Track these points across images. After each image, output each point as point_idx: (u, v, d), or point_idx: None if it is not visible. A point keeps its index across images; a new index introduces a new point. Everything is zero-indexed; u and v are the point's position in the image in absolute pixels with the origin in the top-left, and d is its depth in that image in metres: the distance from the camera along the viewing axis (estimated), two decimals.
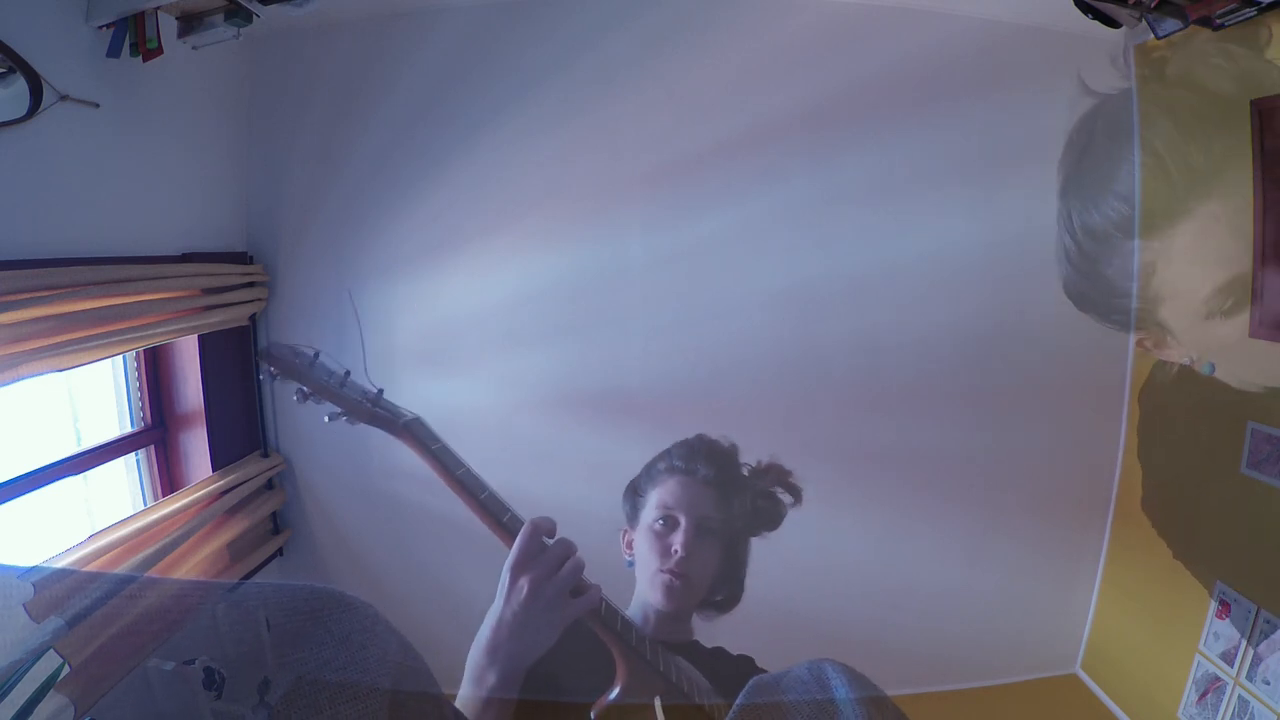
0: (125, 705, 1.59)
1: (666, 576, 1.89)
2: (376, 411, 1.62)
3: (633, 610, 1.93)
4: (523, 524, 1.58)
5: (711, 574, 1.96)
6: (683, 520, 1.94)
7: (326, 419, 1.58)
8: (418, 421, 1.66)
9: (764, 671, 1.85)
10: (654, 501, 2.01)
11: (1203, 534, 2.03)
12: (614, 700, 1.63)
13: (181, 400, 2.35)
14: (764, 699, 1.34)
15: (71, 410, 2.06)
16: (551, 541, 1.55)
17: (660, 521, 1.96)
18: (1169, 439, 2.20)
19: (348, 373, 1.63)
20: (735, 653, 1.92)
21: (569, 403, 2.45)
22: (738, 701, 1.37)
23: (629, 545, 2.03)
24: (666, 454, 2.10)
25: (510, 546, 1.55)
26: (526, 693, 1.51)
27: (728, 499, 2.02)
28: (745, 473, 2.11)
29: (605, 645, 1.64)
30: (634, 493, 2.09)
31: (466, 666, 1.52)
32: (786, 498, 2.10)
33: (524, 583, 1.49)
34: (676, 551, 1.91)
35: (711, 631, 1.99)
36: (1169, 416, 2.19)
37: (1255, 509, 1.86)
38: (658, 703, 1.61)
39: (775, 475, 2.11)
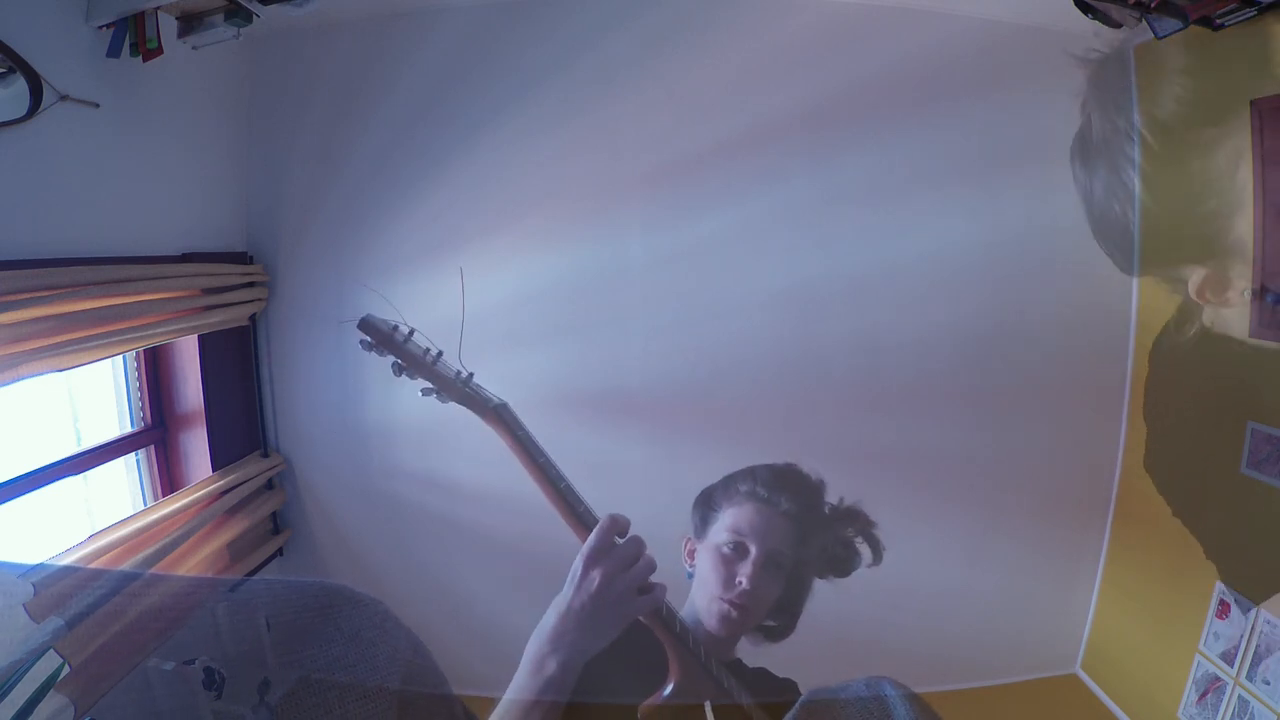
0: (125, 705, 1.59)
1: (726, 606, 1.83)
2: (467, 392, 1.63)
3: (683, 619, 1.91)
4: (595, 518, 1.58)
5: (769, 606, 1.91)
6: (754, 551, 1.87)
7: (420, 394, 1.62)
8: (505, 407, 1.67)
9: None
10: (727, 523, 1.93)
11: (1203, 534, 2.03)
12: (666, 699, 1.62)
13: (181, 400, 2.35)
14: (821, 700, 1.35)
15: (71, 410, 2.06)
16: (622, 540, 1.55)
17: (730, 546, 1.89)
18: (1172, 428, 2.20)
19: (440, 353, 1.65)
20: (780, 675, 1.89)
21: (569, 403, 2.45)
22: (798, 702, 1.38)
23: (690, 555, 1.97)
24: (751, 474, 2.01)
25: (581, 538, 1.54)
26: (577, 694, 1.51)
27: (804, 537, 1.94)
28: (827, 511, 2.04)
29: (658, 646, 1.63)
30: (706, 505, 2.01)
31: (525, 656, 1.51)
32: (866, 553, 2.02)
33: (596, 574, 1.48)
34: (741, 583, 1.84)
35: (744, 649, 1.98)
36: (1179, 374, 2.16)
37: (1255, 509, 1.86)
38: (708, 707, 1.61)
39: (858, 525, 2.03)
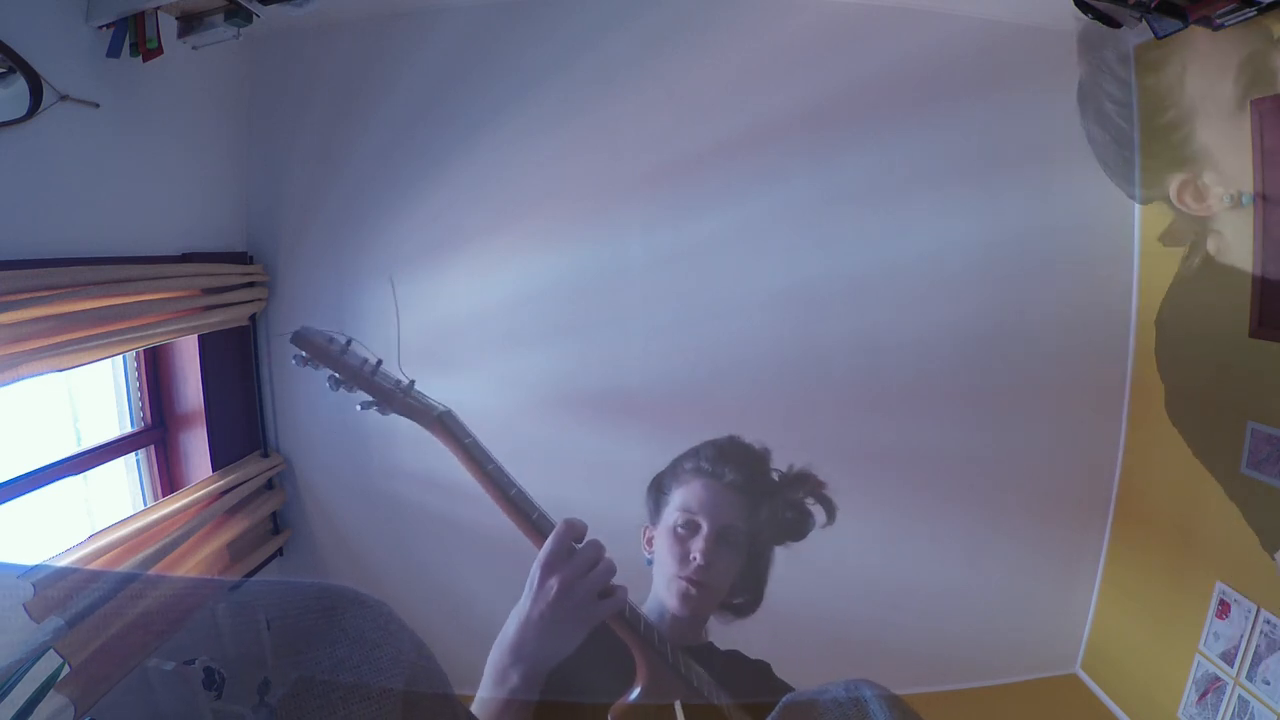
0: (125, 705, 1.59)
1: (683, 584, 1.84)
2: (409, 402, 1.59)
3: (648, 609, 1.90)
4: (550, 523, 1.56)
5: (731, 581, 1.91)
6: (705, 526, 1.88)
7: (359, 408, 1.57)
8: (450, 414, 1.63)
9: (781, 680, 1.84)
10: (677, 502, 1.95)
11: (1203, 534, 2.03)
12: (634, 701, 1.61)
13: (181, 400, 2.34)
14: (800, 703, 1.34)
15: (71, 410, 2.06)
16: (581, 545, 1.53)
17: (682, 524, 1.91)
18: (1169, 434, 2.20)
19: (379, 362, 1.60)
20: (752, 657, 1.89)
21: (569, 403, 2.45)
22: (779, 704, 1.37)
23: (649, 543, 1.98)
24: (694, 453, 2.03)
25: (537, 545, 1.52)
26: (546, 694, 1.50)
27: (754, 507, 1.95)
28: (775, 478, 2.04)
29: (625, 646, 1.62)
30: (658, 489, 2.03)
31: (488, 666, 1.50)
32: (819, 513, 2.02)
33: (554, 582, 1.47)
34: (695, 559, 1.85)
35: (725, 638, 1.98)
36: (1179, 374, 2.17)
37: (1255, 509, 1.86)
38: (678, 706, 1.60)
39: (809, 486, 2.03)
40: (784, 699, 1.40)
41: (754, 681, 1.82)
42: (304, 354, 1.55)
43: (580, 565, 1.49)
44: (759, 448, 2.07)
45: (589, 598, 1.48)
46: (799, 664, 1.85)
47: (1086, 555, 2.35)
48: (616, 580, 1.61)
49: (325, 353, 1.55)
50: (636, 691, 1.61)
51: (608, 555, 1.53)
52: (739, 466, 1.97)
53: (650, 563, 1.95)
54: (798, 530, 2.02)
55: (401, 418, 1.61)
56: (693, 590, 1.84)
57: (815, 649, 2.00)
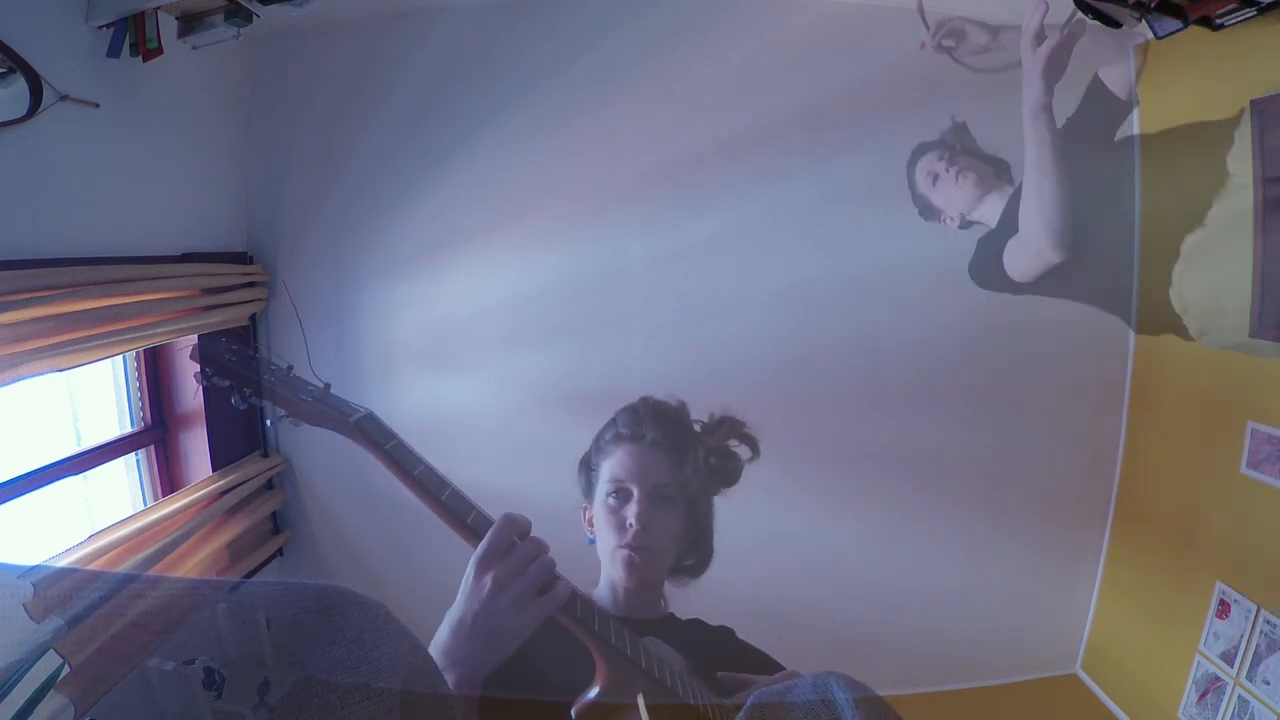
0: (125, 705, 1.59)
1: (625, 552, 1.81)
2: (322, 409, 1.49)
3: (600, 589, 1.87)
4: (490, 522, 1.49)
5: (675, 541, 1.88)
6: (635, 491, 1.85)
7: (269, 423, 1.50)
8: (369, 418, 1.55)
9: (744, 643, 1.80)
10: (605, 475, 1.91)
11: (1203, 534, 2.03)
12: (594, 699, 1.54)
13: (181, 400, 2.35)
14: (768, 704, 1.32)
15: (71, 410, 2.06)
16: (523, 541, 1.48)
17: (613, 496, 1.87)
18: (1168, 436, 2.20)
19: (290, 367, 1.51)
20: (714, 624, 1.85)
21: (569, 403, 2.45)
22: (745, 705, 1.35)
23: (590, 522, 1.95)
24: (612, 422, 1.99)
25: (475, 547, 1.46)
26: (505, 691, 1.46)
27: (680, 461, 1.91)
28: (698, 429, 2.02)
29: (584, 644, 1.57)
30: (586, 467, 2.00)
31: None
32: (744, 451, 2.01)
33: (488, 579, 1.40)
34: (631, 525, 1.82)
35: (689, 607, 1.95)
36: (1168, 411, 2.19)
37: (1255, 509, 1.86)
38: (640, 700, 1.54)
39: (728, 429, 2.01)
40: (749, 700, 1.36)
41: (718, 648, 1.79)
42: (208, 370, 1.46)
43: (518, 561, 1.42)
44: (674, 403, 2.06)
45: (526, 596, 1.41)
46: (800, 664, 1.85)
47: (1086, 555, 2.35)
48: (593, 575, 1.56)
49: (226, 365, 1.45)
50: (596, 689, 1.55)
51: (549, 553, 1.47)
52: (657, 424, 1.94)
53: (592, 542, 1.91)
54: (727, 473, 2.00)
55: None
56: (636, 557, 1.81)
57: (815, 649, 2.00)
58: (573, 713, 1.54)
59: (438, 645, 1.43)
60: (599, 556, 1.90)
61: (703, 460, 1.95)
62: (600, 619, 1.56)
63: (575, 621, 1.51)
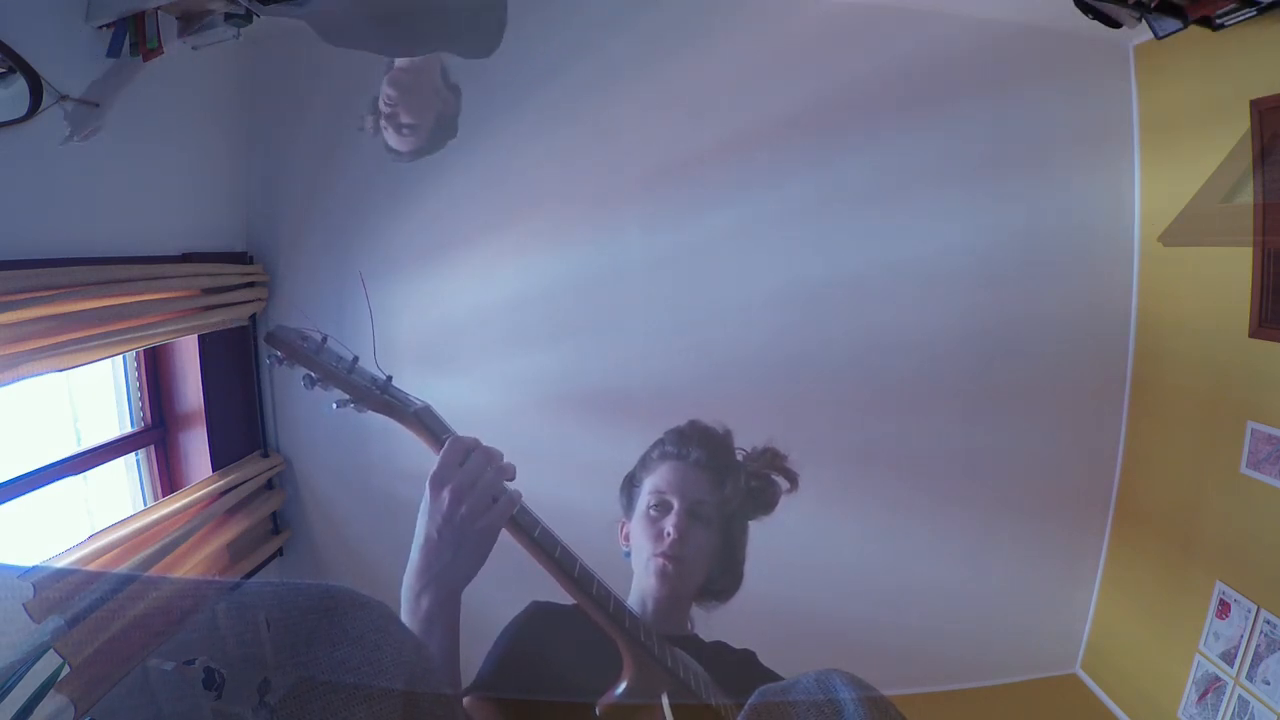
0: (125, 705, 1.59)
1: (660, 560, 1.90)
2: (386, 399, 1.57)
3: (631, 600, 1.93)
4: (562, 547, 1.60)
5: (707, 559, 1.96)
6: (675, 503, 1.95)
7: (335, 406, 1.55)
8: (428, 410, 1.62)
9: (765, 668, 1.85)
10: (648, 488, 2.02)
11: (1203, 534, 2.03)
12: (620, 696, 1.60)
13: (181, 400, 2.35)
14: (771, 703, 1.33)
15: (71, 410, 2.06)
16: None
17: (654, 507, 1.97)
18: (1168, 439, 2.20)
19: (356, 359, 1.58)
20: (737, 647, 1.91)
21: (569, 403, 2.45)
22: (747, 704, 1.36)
23: (625, 537, 2.03)
24: (659, 441, 2.11)
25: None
26: (532, 693, 1.49)
27: (721, 482, 2.02)
28: (739, 457, 2.12)
29: (612, 642, 1.62)
30: (630, 484, 2.10)
31: (401, 594, 1.51)
32: (782, 482, 2.10)
33: (445, 494, 1.48)
34: (669, 534, 1.91)
35: (711, 629, 1.99)
36: (1168, 411, 2.18)
37: (1255, 509, 1.86)
38: (665, 700, 1.59)
39: (770, 460, 2.10)
40: (751, 698, 1.38)
41: (738, 670, 1.83)
42: (279, 354, 1.53)
43: (470, 473, 1.50)
44: (721, 429, 2.14)
45: (483, 503, 1.49)
46: (799, 665, 1.84)
47: (1086, 555, 2.35)
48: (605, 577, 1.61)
49: (298, 351, 1.53)
50: (623, 686, 1.61)
51: (502, 459, 1.53)
52: (702, 446, 2.06)
53: (628, 555, 2.00)
54: (765, 499, 2.09)
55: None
56: (669, 566, 1.89)
57: (815, 649, 2.00)
58: (597, 709, 1.60)
59: (411, 568, 1.49)
60: (633, 568, 1.96)
61: (743, 483, 2.05)
62: (631, 618, 1.64)
63: (607, 618, 1.60)
